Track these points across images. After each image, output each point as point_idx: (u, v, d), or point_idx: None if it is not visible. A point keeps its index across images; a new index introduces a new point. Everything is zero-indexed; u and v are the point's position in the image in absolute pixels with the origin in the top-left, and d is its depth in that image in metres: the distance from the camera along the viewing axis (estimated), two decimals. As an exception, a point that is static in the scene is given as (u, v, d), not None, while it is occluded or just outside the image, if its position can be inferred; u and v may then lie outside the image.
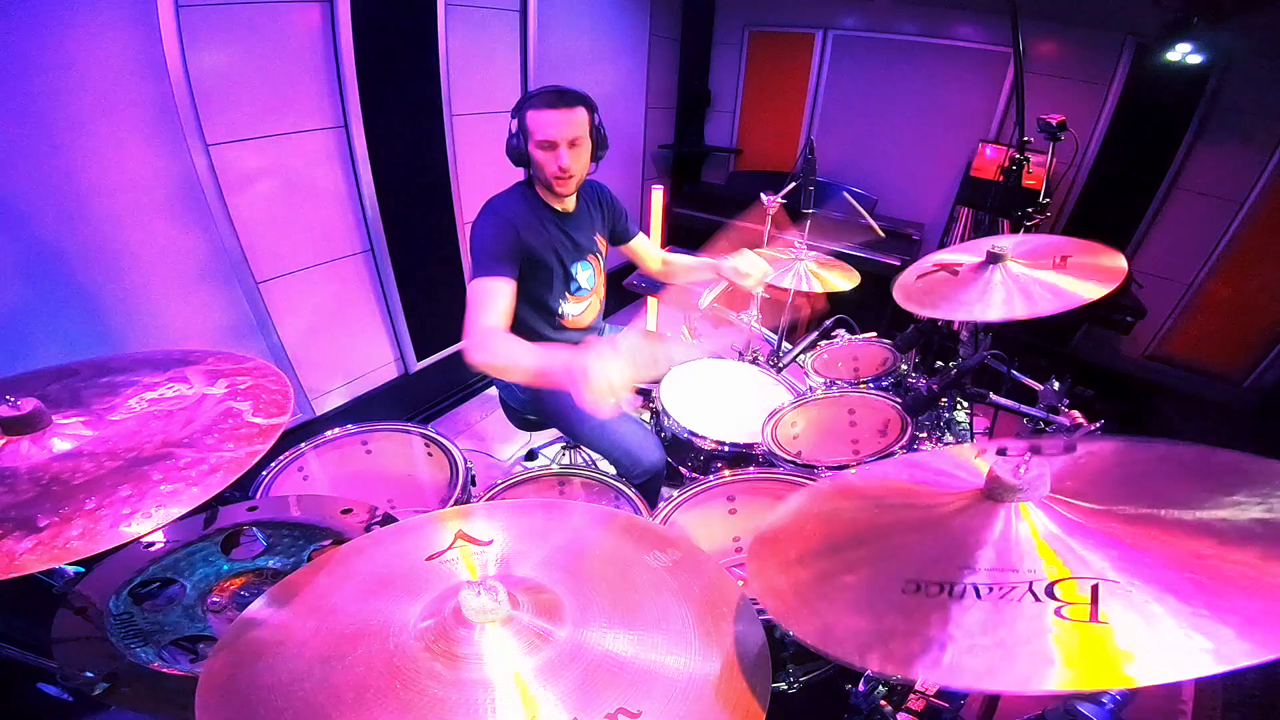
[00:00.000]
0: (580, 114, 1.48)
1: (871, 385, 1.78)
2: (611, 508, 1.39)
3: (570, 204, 1.62)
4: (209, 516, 1.03)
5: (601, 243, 1.74)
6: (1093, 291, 1.20)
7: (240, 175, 1.92)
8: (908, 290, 1.44)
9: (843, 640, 0.57)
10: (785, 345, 2.22)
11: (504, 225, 1.49)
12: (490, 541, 0.79)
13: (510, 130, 1.52)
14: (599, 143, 1.56)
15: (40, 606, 0.85)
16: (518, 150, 1.52)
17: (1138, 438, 0.73)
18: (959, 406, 1.95)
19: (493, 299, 1.40)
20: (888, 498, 0.79)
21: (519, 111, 1.49)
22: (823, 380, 1.87)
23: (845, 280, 2.07)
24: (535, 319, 1.65)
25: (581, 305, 1.72)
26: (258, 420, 0.83)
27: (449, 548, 0.78)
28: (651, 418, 1.77)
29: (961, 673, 0.51)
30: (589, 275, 1.70)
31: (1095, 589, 0.52)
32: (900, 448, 1.45)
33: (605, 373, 1.05)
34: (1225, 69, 2.68)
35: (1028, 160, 2.04)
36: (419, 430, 1.47)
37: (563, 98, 1.46)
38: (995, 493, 0.66)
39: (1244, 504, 0.57)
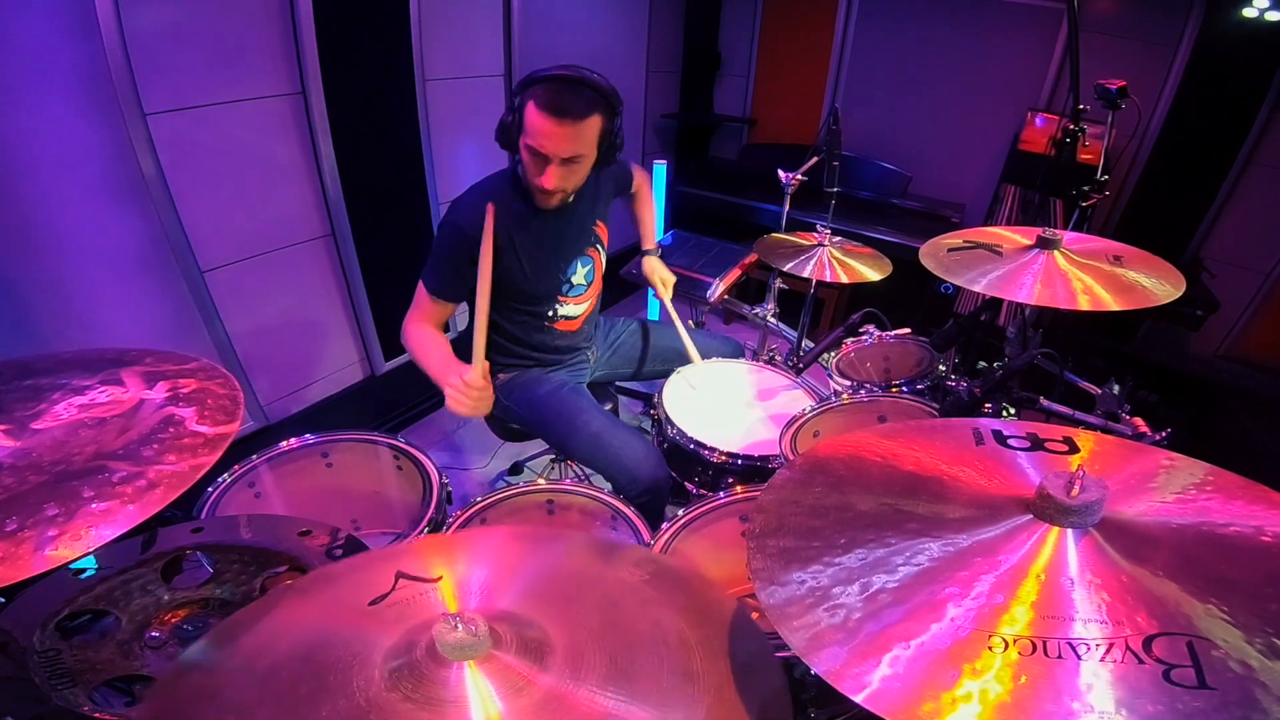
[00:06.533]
0: (591, 126, 1.35)
1: (905, 389, 1.78)
2: (606, 536, 1.40)
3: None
4: (147, 539, 1.03)
5: (603, 230, 1.74)
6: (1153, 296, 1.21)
7: (183, 149, 1.91)
8: (938, 259, 1.43)
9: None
10: (806, 343, 2.22)
11: (463, 246, 1.44)
12: (439, 579, 0.77)
13: (508, 105, 1.40)
14: (611, 149, 1.45)
15: (-46, 642, 0.85)
16: (508, 135, 1.42)
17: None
18: (1005, 413, 1.95)
19: (424, 310, 1.57)
20: (905, 497, 0.78)
21: (522, 93, 1.35)
22: (849, 383, 1.87)
23: (875, 270, 2.07)
24: (520, 323, 1.66)
25: (580, 307, 1.73)
26: (203, 429, 0.82)
27: (391, 590, 0.75)
28: (653, 426, 1.77)
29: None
30: (588, 271, 1.70)
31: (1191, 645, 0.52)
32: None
33: (460, 398, 1.34)
34: (1309, 27, 2.68)
35: (1083, 132, 2.04)
36: (387, 440, 1.47)
37: (571, 108, 1.31)
38: (1046, 513, 0.66)
39: None
